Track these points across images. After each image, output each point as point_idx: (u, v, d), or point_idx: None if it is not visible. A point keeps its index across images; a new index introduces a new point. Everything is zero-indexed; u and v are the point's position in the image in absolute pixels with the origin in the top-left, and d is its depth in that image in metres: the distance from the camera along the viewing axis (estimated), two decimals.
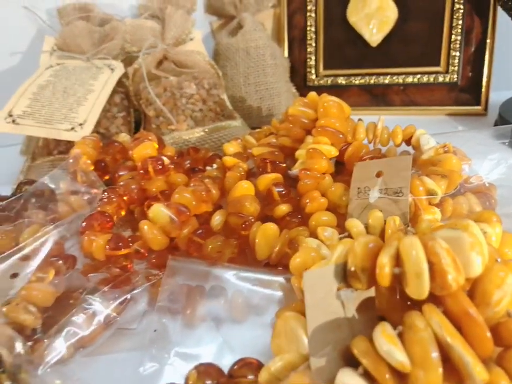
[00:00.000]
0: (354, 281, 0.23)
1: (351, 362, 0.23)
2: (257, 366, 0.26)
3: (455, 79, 0.64)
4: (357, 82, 0.69)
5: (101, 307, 0.32)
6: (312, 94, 0.46)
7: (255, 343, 0.30)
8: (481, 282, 0.22)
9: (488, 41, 0.61)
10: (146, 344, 0.30)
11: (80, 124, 0.53)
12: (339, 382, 0.21)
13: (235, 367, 0.26)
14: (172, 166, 0.41)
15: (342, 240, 0.27)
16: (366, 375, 0.22)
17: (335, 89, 0.67)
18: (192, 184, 0.38)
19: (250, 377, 0.26)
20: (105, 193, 0.38)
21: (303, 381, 0.22)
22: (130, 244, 0.33)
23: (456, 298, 0.22)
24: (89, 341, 0.31)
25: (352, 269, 0.23)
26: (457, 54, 0.63)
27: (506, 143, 0.45)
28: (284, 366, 0.24)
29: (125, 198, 0.39)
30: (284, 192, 0.39)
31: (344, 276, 0.24)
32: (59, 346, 0.29)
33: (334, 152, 0.40)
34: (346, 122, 0.43)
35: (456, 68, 0.64)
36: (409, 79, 0.66)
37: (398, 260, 0.23)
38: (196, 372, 0.25)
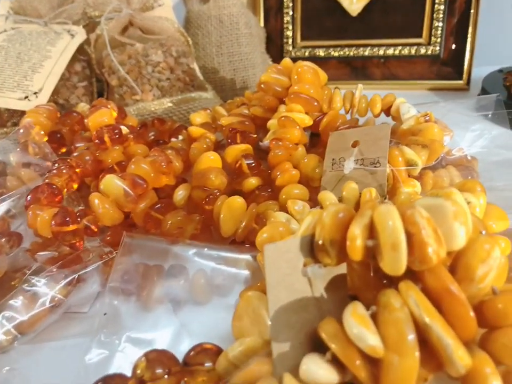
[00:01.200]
0: (323, 256, 0.20)
1: (318, 347, 0.20)
2: (216, 352, 0.23)
3: (437, 51, 0.62)
4: (336, 54, 0.66)
5: (45, 289, 0.28)
6: (286, 61, 0.43)
7: (217, 327, 0.27)
8: (464, 256, 0.20)
9: (472, 11, 0.58)
10: (95, 330, 0.27)
11: (35, 93, 0.49)
12: (304, 369, 0.19)
13: (191, 353, 0.23)
14: (132, 136, 0.38)
15: (311, 211, 0.24)
16: (335, 361, 0.19)
17: (313, 61, 0.63)
18: (151, 155, 0.34)
19: (208, 364, 0.23)
20: (55, 164, 0.35)
21: (262, 369, 0.19)
22: (79, 219, 0.30)
23: (436, 274, 0.19)
24: (30, 326, 0.27)
25: (320, 241, 0.20)
26: (440, 24, 0.60)
27: (489, 115, 0.42)
28: (243, 352, 0.21)
29: (77, 170, 0.35)
30: (253, 165, 0.36)
31: (311, 249, 0.21)
32: None
33: (308, 121, 0.37)
34: (321, 90, 0.40)
35: (438, 40, 0.61)
36: (390, 51, 0.63)
37: (371, 232, 0.20)
38: (145, 359, 0.22)
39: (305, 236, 0.21)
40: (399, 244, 0.18)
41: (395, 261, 0.18)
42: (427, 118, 0.36)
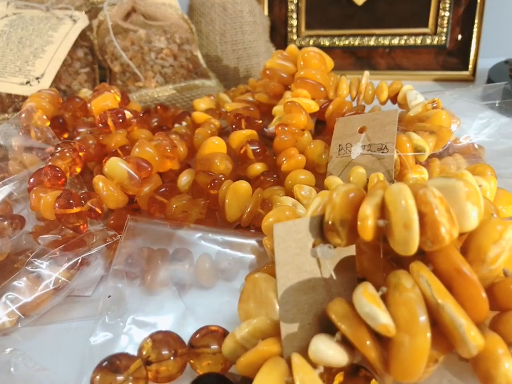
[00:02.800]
0: (333, 236, 0.20)
1: (327, 328, 0.20)
2: (222, 335, 0.23)
3: (443, 42, 0.61)
4: (340, 43, 0.65)
5: (48, 271, 0.28)
6: (292, 47, 0.42)
7: (222, 311, 0.27)
8: (476, 237, 0.20)
9: (478, 1, 0.58)
10: (99, 312, 0.26)
11: (37, 78, 0.48)
12: (313, 350, 0.19)
13: (197, 335, 0.23)
14: (135, 121, 0.37)
15: (320, 192, 0.24)
16: (344, 342, 0.19)
17: None
18: (156, 139, 0.34)
19: (214, 347, 0.23)
20: (59, 147, 0.34)
21: (271, 350, 0.19)
22: (83, 202, 0.29)
23: (447, 255, 0.19)
24: (34, 308, 0.27)
25: (330, 222, 0.20)
26: (447, 14, 0.59)
27: (496, 104, 0.42)
28: (251, 333, 0.21)
29: (81, 154, 0.34)
30: (258, 151, 0.36)
31: (321, 230, 0.20)
32: None
33: (314, 106, 0.37)
34: (328, 76, 0.39)
35: (444, 30, 0.60)
36: (396, 41, 0.63)
37: (383, 212, 0.19)
38: (151, 340, 0.22)
39: (315, 216, 0.21)
40: (411, 223, 0.18)
41: (407, 240, 0.18)
42: (435, 105, 0.35)
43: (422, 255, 0.20)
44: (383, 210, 0.19)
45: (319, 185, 0.33)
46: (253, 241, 0.30)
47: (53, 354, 0.26)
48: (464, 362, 0.20)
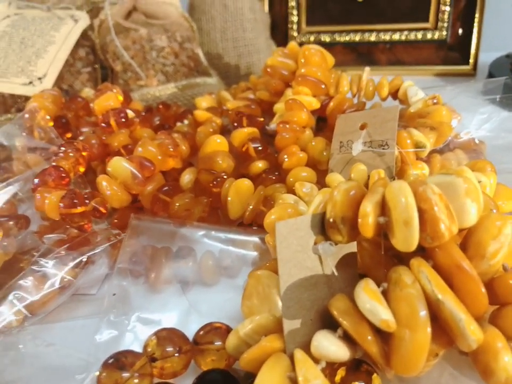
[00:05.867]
0: (334, 233, 0.20)
1: (329, 324, 0.20)
2: (226, 331, 0.23)
3: (444, 36, 0.61)
4: (341, 39, 0.65)
5: (54, 270, 0.28)
6: (293, 44, 0.43)
7: (226, 308, 0.27)
8: (476, 233, 0.20)
9: None
10: (104, 310, 0.27)
11: (39, 78, 0.49)
12: (315, 346, 0.19)
13: (201, 332, 0.24)
14: (138, 120, 0.37)
15: (321, 190, 0.24)
16: (346, 337, 0.19)
17: None
18: (158, 138, 0.34)
19: (218, 343, 0.23)
20: (62, 147, 0.34)
21: (274, 346, 0.19)
22: (87, 201, 0.30)
23: (447, 251, 0.19)
24: (40, 306, 0.27)
25: (331, 219, 0.20)
26: (447, 8, 0.59)
27: (497, 99, 0.42)
28: (254, 329, 0.21)
29: (84, 153, 0.35)
30: (260, 148, 0.36)
31: (323, 227, 0.21)
32: (5, 313, 0.26)
33: (315, 104, 0.37)
34: (328, 73, 0.39)
35: (445, 24, 0.60)
36: (396, 36, 0.63)
37: (383, 209, 0.20)
38: (155, 337, 0.23)
39: (316, 214, 0.21)
40: (411, 220, 0.18)
41: (407, 237, 0.18)
42: (435, 101, 0.36)
43: (422, 251, 0.20)
44: (383, 208, 0.20)
45: (321, 182, 0.33)
46: (255, 239, 0.31)
47: (59, 351, 0.26)
48: (464, 356, 0.20)
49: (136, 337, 0.26)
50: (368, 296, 0.18)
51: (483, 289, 0.18)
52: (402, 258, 0.21)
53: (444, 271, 0.19)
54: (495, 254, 0.19)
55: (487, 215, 0.20)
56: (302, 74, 0.37)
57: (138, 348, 0.24)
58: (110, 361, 0.21)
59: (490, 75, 0.55)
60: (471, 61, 0.60)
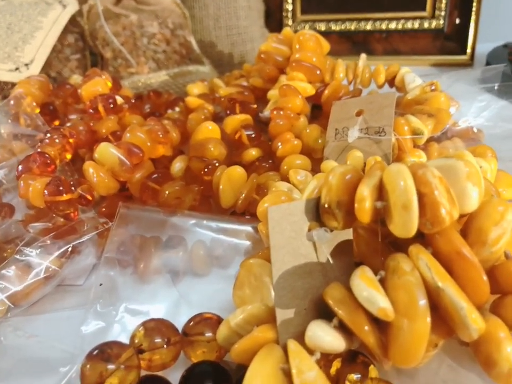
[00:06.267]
0: (329, 219, 0.19)
1: (324, 313, 0.19)
2: (216, 322, 0.23)
3: (441, 25, 0.60)
4: (336, 28, 0.64)
5: (38, 259, 0.27)
6: (287, 30, 0.41)
7: (217, 299, 0.27)
8: (477, 218, 0.19)
9: None
10: (90, 301, 0.26)
11: (26, 64, 0.47)
12: (310, 336, 0.18)
13: (190, 323, 0.23)
14: (127, 107, 0.36)
15: (316, 175, 0.23)
16: (342, 327, 0.18)
17: None
18: (147, 124, 0.33)
19: (208, 334, 0.22)
20: (48, 134, 0.33)
21: (266, 336, 0.18)
22: (73, 188, 0.29)
23: (447, 237, 0.18)
24: (24, 297, 0.26)
25: (326, 204, 0.19)
26: None
27: (496, 87, 0.41)
28: (246, 319, 0.20)
29: (71, 140, 0.34)
30: (253, 136, 0.35)
31: (317, 213, 0.20)
32: None
33: (310, 90, 0.36)
34: (324, 59, 0.38)
35: (442, 13, 0.59)
36: (393, 25, 0.62)
37: (381, 193, 0.19)
38: (143, 328, 0.22)
39: (311, 199, 0.20)
40: (410, 204, 0.17)
41: (406, 222, 0.17)
42: (433, 88, 0.35)
43: (421, 238, 0.19)
44: (381, 192, 0.19)
45: (315, 170, 0.32)
46: (248, 228, 0.30)
47: (44, 343, 0.25)
48: (463, 348, 0.19)
49: (124, 329, 0.25)
50: (365, 283, 0.17)
51: (485, 277, 0.18)
52: (400, 246, 0.21)
53: (444, 258, 0.18)
54: (497, 241, 0.18)
55: (489, 200, 0.19)
56: (297, 59, 0.36)
57: (126, 340, 0.23)
58: (95, 352, 0.20)
59: (488, 65, 0.54)
60: (469, 51, 0.60)
